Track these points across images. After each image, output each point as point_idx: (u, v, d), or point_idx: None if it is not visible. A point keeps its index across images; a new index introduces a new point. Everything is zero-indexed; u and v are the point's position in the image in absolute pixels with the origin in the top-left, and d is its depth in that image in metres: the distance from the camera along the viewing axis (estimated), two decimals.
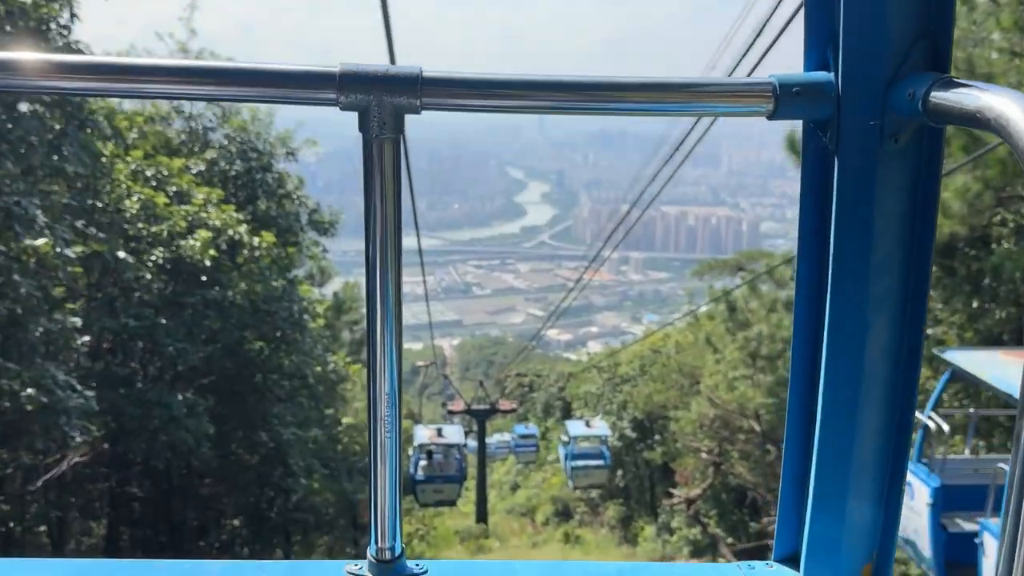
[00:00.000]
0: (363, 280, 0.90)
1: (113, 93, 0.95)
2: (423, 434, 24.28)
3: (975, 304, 13.32)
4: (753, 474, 24.00)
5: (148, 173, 12.35)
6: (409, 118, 0.86)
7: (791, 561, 1.17)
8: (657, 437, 30.99)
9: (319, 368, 18.41)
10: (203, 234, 11.79)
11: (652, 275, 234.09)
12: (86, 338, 9.23)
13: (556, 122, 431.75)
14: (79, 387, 8.36)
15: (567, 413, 43.71)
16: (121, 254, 10.36)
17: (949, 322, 14.05)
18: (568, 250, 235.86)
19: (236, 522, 20.93)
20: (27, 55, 0.85)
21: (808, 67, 0.98)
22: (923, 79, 0.88)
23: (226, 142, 15.21)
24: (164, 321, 11.51)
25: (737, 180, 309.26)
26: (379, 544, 1.05)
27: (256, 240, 13.24)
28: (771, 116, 0.95)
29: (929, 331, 14.63)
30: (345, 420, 26.48)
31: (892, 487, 1.07)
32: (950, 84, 0.84)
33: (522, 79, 0.89)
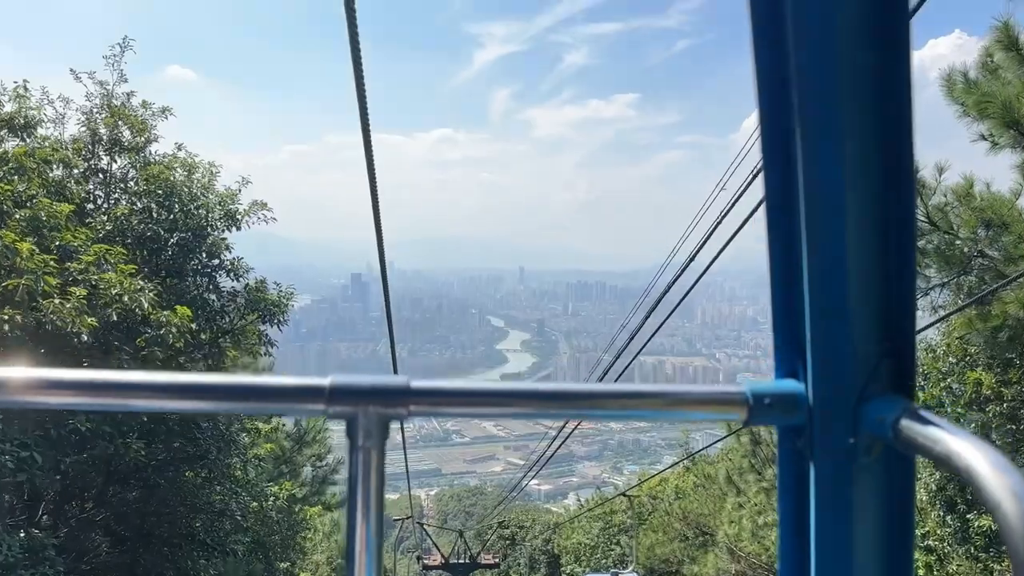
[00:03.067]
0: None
1: (98, 407, 0.92)
2: None
3: None
4: None
5: (17, 216, 9.01)
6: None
7: None
8: None
9: (256, 504, 14.27)
10: (77, 292, 8.29)
11: (632, 424, 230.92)
12: None
13: (536, 273, 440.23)
14: None
15: (555, 568, 40.08)
16: None
17: None
18: None
19: None
20: (14, 371, 0.84)
21: (779, 374, 1.00)
22: (890, 405, 0.90)
23: (148, 203, 11.74)
24: None
25: (712, 332, 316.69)
26: None
27: (165, 316, 9.62)
28: (745, 423, 0.94)
29: None
30: None
31: None
32: (917, 417, 0.85)
33: (502, 389, 0.91)
